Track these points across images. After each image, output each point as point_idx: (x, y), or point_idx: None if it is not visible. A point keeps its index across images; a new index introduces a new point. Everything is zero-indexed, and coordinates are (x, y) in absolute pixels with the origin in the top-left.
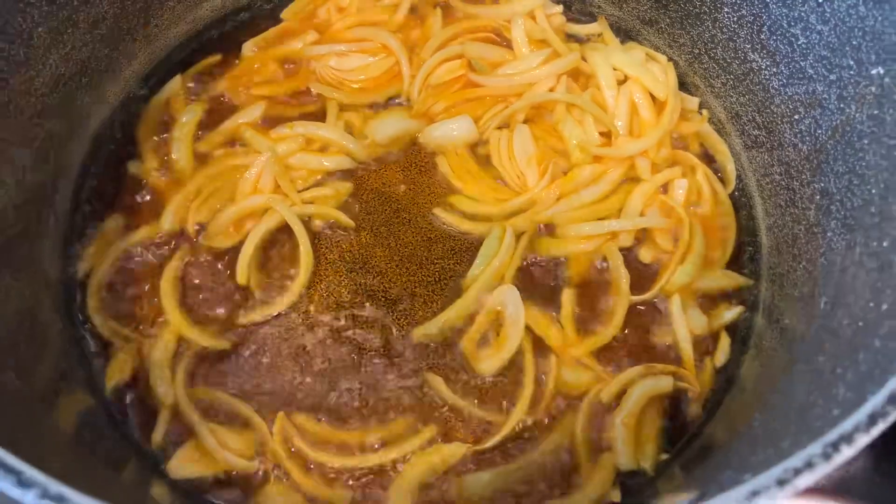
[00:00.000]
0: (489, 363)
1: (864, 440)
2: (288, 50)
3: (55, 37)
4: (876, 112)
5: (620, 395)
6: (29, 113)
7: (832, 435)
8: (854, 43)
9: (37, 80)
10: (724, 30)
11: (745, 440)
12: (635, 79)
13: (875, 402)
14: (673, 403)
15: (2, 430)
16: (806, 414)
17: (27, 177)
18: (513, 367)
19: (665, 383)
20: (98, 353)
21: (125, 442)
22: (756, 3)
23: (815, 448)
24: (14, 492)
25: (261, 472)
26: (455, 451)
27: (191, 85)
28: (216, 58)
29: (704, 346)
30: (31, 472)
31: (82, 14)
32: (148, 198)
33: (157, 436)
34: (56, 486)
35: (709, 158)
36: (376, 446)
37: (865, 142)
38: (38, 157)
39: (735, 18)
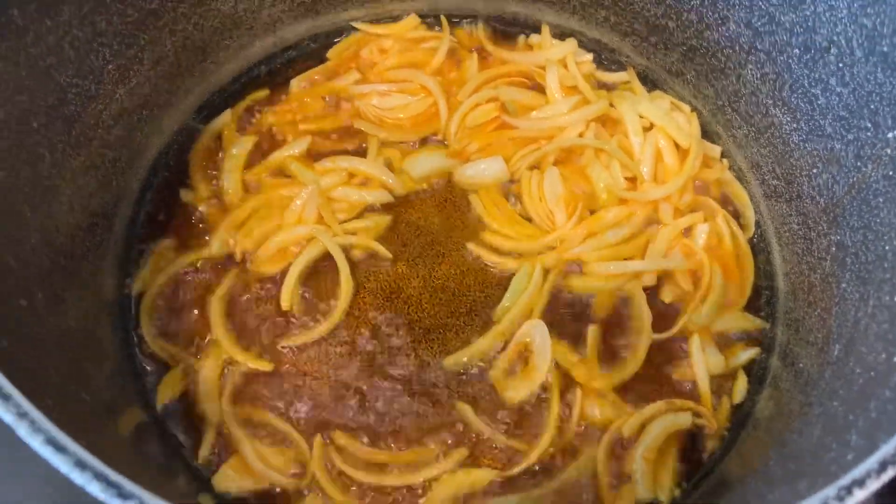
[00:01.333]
0: (516, 392)
1: (875, 485)
2: (333, 87)
3: (123, 73)
4: (891, 173)
5: (641, 429)
6: (97, 143)
7: (846, 479)
8: (872, 107)
9: (104, 113)
10: (748, 85)
11: (762, 478)
12: (660, 127)
13: (886, 450)
14: (690, 439)
15: (72, 427)
16: (821, 457)
17: (92, 202)
18: (539, 397)
19: (684, 419)
20: (150, 371)
21: (175, 456)
22: (779, 62)
23: (829, 491)
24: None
25: (299, 488)
26: (483, 476)
27: (241, 118)
28: (264, 92)
29: (722, 384)
30: (130, 486)
31: (148, 52)
32: (199, 223)
33: (204, 451)
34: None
35: (729, 205)
36: (408, 467)
37: (881, 200)
38: (103, 184)
39: (759, 75)
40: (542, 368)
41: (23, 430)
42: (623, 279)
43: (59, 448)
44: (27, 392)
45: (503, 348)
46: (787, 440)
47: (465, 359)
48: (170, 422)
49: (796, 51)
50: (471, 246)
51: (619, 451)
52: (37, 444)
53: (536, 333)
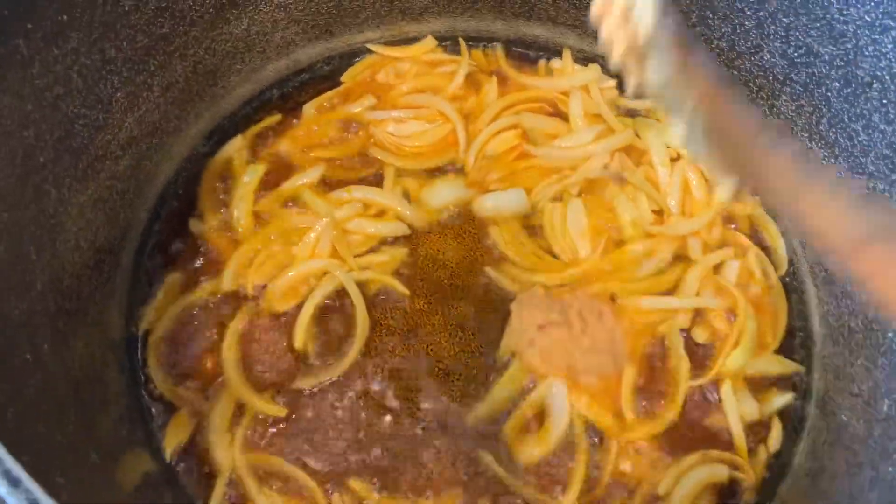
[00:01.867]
0: (530, 454)
1: None
2: (347, 113)
3: (132, 101)
4: None
5: (676, 482)
6: (104, 175)
7: None
8: None
9: (112, 143)
10: (781, 116)
11: None
12: (688, 159)
13: None
14: (726, 492)
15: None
16: None
17: (100, 237)
18: (568, 449)
19: (720, 472)
20: (158, 414)
21: None
22: (816, 95)
23: None
24: None
25: None
26: None
27: (253, 144)
28: (276, 118)
29: (758, 432)
30: None
31: (157, 78)
32: (208, 256)
33: (215, 502)
34: None
35: (760, 240)
36: None
37: None
38: (110, 217)
39: (793, 107)
40: (557, 431)
41: None
42: (656, 316)
43: None
44: (37, 472)
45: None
46: (839, 502)
47: (486, 410)
48: (179, 471)
49: (836, 84)
50: (490, 271)
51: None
52: None
53: (555, 396)
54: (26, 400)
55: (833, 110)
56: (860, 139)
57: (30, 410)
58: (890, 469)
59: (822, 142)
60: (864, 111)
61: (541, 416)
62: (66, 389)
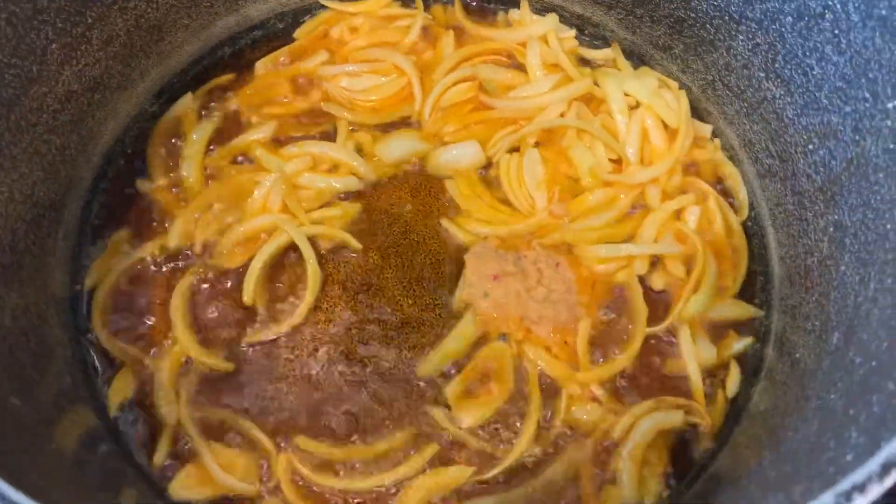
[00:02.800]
0: (468, 416)
1: (876, 490)
2: (300, 69)
3: (68, 53)
4: (892, 146)
5: (630, 429)
6: (41, 129)
7: (844, 484)
8: (870, 76)
9: (49, 96)
10: (739, 57)
11: (756, 480)
12: (647, 105)
13: (889, 450)
14: (680, 436)
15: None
16: (818, 456)
17: (37, 192)
18: (519, 398)
19: (675, 418)
20: (103, 371)
21: (127, 463)
22: (771, 31)
23: (827, 498)
24: None
25: (260, 494)
26: (458, 474)
27: (203, 102)
28: (228, 77)
29: (715, 376)
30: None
31: (96, 31)
32: (156, 215)
33: (159, 457)
34: None
35: (720, 186)
36: (377, 465)
37: (881, 175)
38: (49, 173)
39: (750, 46)
40: (499, 398)
41: None
42: (614, 264)
43: None
44: None
45: (467, 360)
46: (783, 437)
47: (436, 361)
48: (123, 426)
49: (789, 18)
50: (445, 222)
51: (607, 452)
52: None
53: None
54: None
55: (788, 46)
56: (814, 73)
57: None
58: (833, 397)
59: (779, 80)
60: (818, 44)
61: (484, 378)
62: None
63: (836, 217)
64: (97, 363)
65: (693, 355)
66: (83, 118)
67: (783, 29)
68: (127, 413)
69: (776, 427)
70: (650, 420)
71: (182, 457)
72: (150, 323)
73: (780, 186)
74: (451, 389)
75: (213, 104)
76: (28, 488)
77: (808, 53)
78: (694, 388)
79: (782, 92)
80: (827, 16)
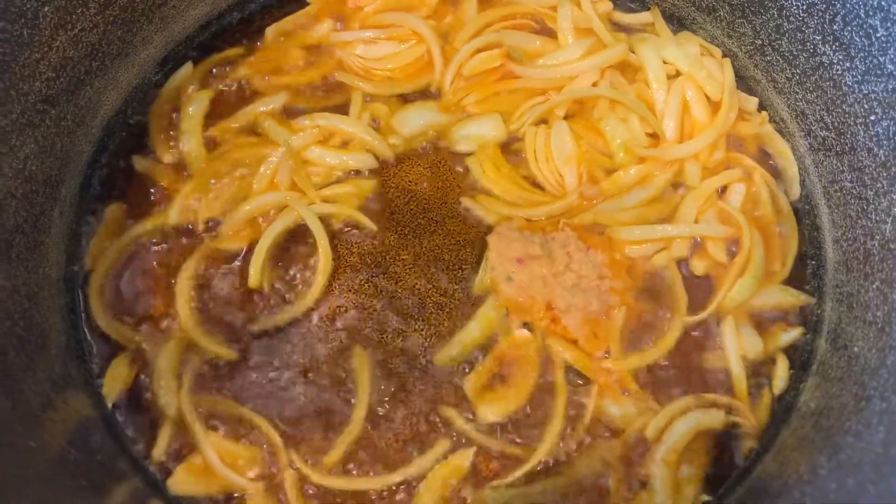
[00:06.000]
0: (491, 411)
1: None
2: (313, 36)
3: (62, 17)
4: None
5: (664, 429)
6: (33, 98)
7: None
8: None
9: (42, 62)
10: (792, 19)
11: (810, 488)
12: (688, 74)
13: None
14: (724, 437)
15: None
16: (888, 472)
17: (30, 166)
18: (544, 392)
19: (715, 418)
20: (100, 357)
21: (122, 456)
22: None
23: None
24: None
25: (262, 491)
26: (461, 460)
27: (208, 72)
28: (237, 50)
29: (761, 371)
30: None
31: None
32: (157, 192)
33: (159, 450)
34: None
35: (769, 162)
36: (388, 465)
37: None
38: (43, 146)
39: (804, 6)
40: (522, 392)
41: None
42: (650, 247)
43: None
44: None
45: (488, 351)
46: (842, 443)
47: (456, 350)
48: (119, 416)
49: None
50: (466, 202)
51: (639, 451)
52: None
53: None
54: None
55: (848, 6)
56: (878, 35)
57: None
58: None
59: (837, 44)
60: (883, 2)
61: (506, 371)
62: None
63: None
64: (94, 348)
65: (736, 347)
66: (81, 87)
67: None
68: (123, 403)
69: (832, 430)
70: (687, 420)
71: (182, 450)
72: (150, 306)
73: (836, 162)
74: (471, 383)
75: (220, 72)
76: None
77: (871, 13)
78: (736, 384)
79: (841, 57)
80: None
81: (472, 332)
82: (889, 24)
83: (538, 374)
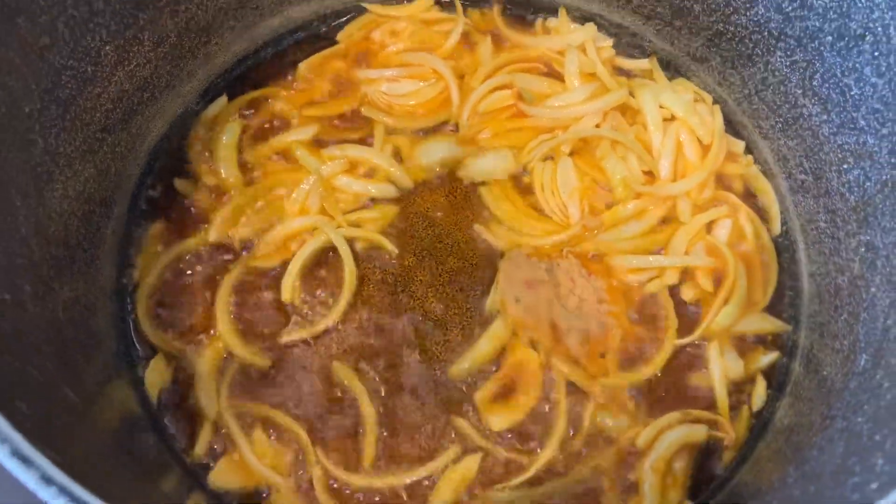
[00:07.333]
0: (499, 421)
1: None
2: (341, 72)
3: (121, 54)
4: None
5: (654, 440)
6: (94, 127)
7: None
8: None
9: (102, 96)
10: (776, 73)
11: (779, 497)
12: (682, 120)
13: None
14: (703, 448)
15: (44, 434)
16: (843, 480)
17: (89, 188)
18: (546, 404)
19: (699, 432)
20: (146, 362)
21: (167, 452)
22: (810, 49)
23: None
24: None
25: (293, 487)
26: (470, 464)
27: (245, 101)
28: (270, 90)
29: (742, 390)
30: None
31: (147, 33)
32: (197, 212)
33: (199, 448)
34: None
35: (753, 200)
36: (401, 468)
37: None
38: (100, 170)
39: (788, 63)
40: (527, 404)
41: None
42: (644, 274)
43: (25, 461)
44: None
45: (497, 367)
46: (808, 456)
47: (468, 363)
48: (164, 415)
49: (829, 38)
50: (479, 229)
51: (630, 460)
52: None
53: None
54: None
55: (826, 65)
56: (852, 93)
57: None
58: (859, 420)
59: (816, 98)
60: (857, 64)
61: (512, 384)
62: (46, 331)
63: (869, 238)
64: (141, 353)
65: (721, 369)
66: (133, 117)
67: (822, 48)
68: (168, 404)
69: (801, 444)
70: (674, 433)
71: (220, 447)
72: (192, 316)
73: (813, 203)
74: (481, 394)
75: (251, 102)
76: (72, 471)
77: (846, 73)
78: (719, 402)
79: (819, 110)
80: (867, 38)
81: (482, 347)
82: (862, 84)
83: (542, 388)
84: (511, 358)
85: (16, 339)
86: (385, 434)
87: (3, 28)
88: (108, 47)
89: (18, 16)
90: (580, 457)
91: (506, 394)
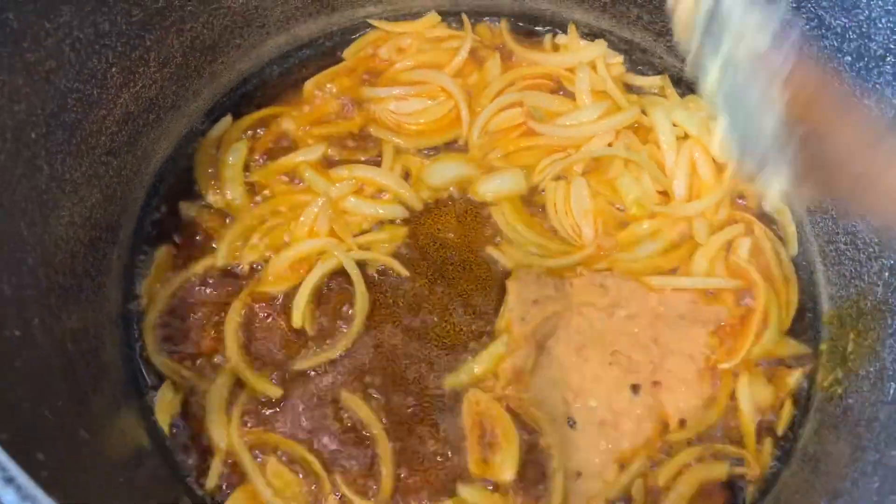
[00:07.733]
0: (507, 470)
1: None
2: (349, 90)
3: (127, 76)
4: None
5: (675, 477)
6: (99, 151)
7: None
8: None
9: (108, 118)
10: None
11: None
12: (696, 138)
13: None
14: (727, 482)
15: (59, 480)
16: None
17: (95, 214)
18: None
19: (718, 471)
20: (154, 390)
21: (179, 484)
22: (828, 69)
23: None
24: None
25: None
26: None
27: (251, 121)
28: (274, 110)
29: (764, 418)
30: None
31: (153, 53)
32: (204, 235)
33: (211, 481)
34: None
35: (769, 220)
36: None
37: None
38: (106, 195)
39: None
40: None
41: (10, 497)
42: None
43: None
44: (16, 449)
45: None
46: (840, 489)
47: (464, 378)
48: (175, 447)
49: (848, 58)
50: (490, 249)
51: (651, 497)
52: None
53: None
54: (11, 378)
55: (845, 86)
56: (872, 115)
57: (15, 388)
58: (894, 453)
59: None
60: (877, 85)
61: (487, 432)
62: (57, 366)
63: (892, 262)
64: (149, 382)
65: (750, 400)
66: (138, 139)
67: (841, 68)
68: (179, 435)
69: (831, 475)
70: (694, 471)
71: (235, 479)
72: (201, 344)
73: (832, 224)
74: (472, 462)
75: (256, 122)
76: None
77: (866, 94)
78: (745, 434)
79: None
80: (888, 58)
81: (478, 365)
82: (883, 106)
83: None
84: (468, 409)
85: (30, 380)
86: (401, 464)
87: (9, 53)
88: (114, 69)
89: (23, 39)
90: None
91: (491, 444)
